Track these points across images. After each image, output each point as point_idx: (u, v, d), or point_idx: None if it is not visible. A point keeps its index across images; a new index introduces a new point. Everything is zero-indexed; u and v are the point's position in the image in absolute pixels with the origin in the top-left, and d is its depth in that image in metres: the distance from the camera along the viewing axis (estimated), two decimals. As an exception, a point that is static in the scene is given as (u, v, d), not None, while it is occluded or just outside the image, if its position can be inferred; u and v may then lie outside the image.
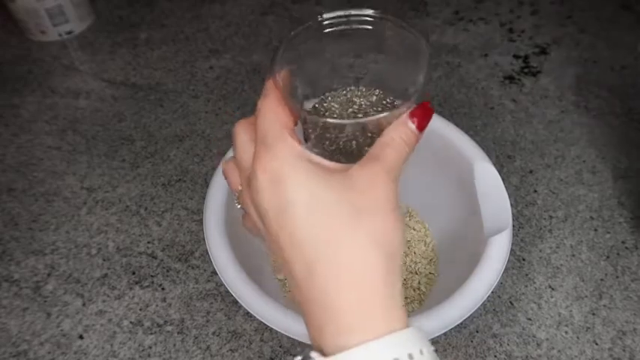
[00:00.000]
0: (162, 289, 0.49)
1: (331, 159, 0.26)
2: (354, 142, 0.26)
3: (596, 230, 0.52)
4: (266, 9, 0.80)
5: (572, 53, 0.70)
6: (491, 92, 0.66)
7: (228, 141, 0.61)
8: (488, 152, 0.45)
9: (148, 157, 0.60)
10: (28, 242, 0.53)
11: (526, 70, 0.68)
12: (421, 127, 0.26)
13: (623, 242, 0.51)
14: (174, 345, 0.45)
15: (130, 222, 0.54)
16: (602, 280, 0.49)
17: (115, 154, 0.61)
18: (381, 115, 0.25)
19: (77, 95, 0.68)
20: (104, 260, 0.51)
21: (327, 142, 0.26)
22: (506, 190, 0.42)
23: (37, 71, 0.71)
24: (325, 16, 0.27)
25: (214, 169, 0.45)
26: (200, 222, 0.54)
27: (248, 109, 0.65)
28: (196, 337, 0.46)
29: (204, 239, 0.44)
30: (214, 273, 0.49)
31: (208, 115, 0.64)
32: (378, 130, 0.26)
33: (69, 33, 0.76)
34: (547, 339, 0.45)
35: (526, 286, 0.48)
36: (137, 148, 0.61)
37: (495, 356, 0.44)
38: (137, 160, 0.60)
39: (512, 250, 0.49)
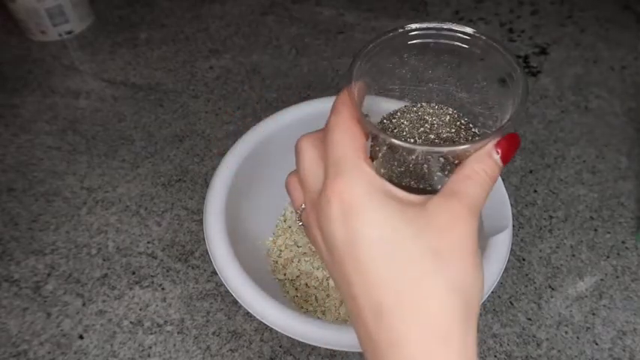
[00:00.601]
0: (163, 289, 0.49)
1: (399, 180, 0.24)
2: (425, 166, 0.24)
3: (596, 230, 0.52)
4: (266, 9, 0.80)
5: (572, 53, 0.70)
6: (492, 92, 0.66)
7: (228, 141, 0.61)
8: (488, 152, 0.45)
9: (148, 157, 0.60)
10: (28, 242, 0.53)
11: (526, 70, 0.68)
12: (506, 159, 0.24)
13: (623, 242, 0.51)
14: (174, 345, 0.45)
15: (130, 222, 0.54)
16: (602, 280, 0.49)
17: (115, 154, 0.61)
18: (465, 146, 0.23)
19: (77, 95, 0.68)
20: (104, 260, 0.51)
21: (396, 163, 0.24)
22: (506, 190, 0.42)
23: (37, 71, 0.71)
24: (412, 26, 0.25)
25: (214, 169, 0.45)
26: (200, 222, 0.54)
27: (248, 109, 0.65)
28: (196, 337, 0.46)
29: (204, 239, 0.44)
30: (214, 273, 0.49)
31: (208, 115, 0.64)
32: (454, 155, 0.24)
33: (69, 33, 0.76)
34: (547, 339, 0.45)
35: (526, 286, 0.48)
36: (137, 148, 0.61)
37: (495, 356, 0.44)
38: (137, 160, 0.60)
39: (512, 250, 0.49)
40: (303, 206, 0.26)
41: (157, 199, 0.56)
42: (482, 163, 0.23)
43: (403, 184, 0.24)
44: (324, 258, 0.25)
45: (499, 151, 0.23)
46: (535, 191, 0.56)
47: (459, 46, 0.25)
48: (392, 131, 0.26)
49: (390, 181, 0.24)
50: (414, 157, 0.24)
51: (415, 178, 0.24)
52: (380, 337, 0.22)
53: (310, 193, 0.25)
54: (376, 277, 0.21)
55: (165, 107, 0.66)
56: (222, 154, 0.46)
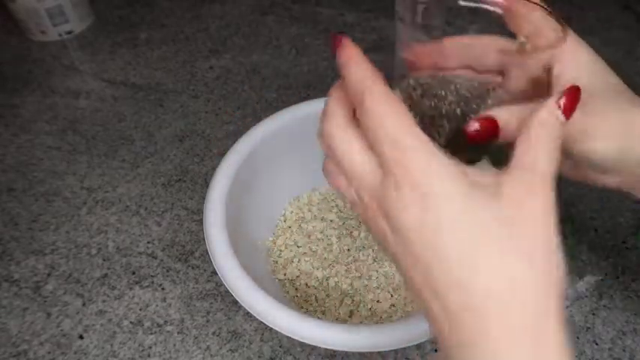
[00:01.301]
0: (163, 289, 0.49)
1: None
2: (447, 118, 0.23)
3: (596, 230, 0.52)
4: (266, 9, 0.80)
5: (572, 53, 0.70)
6: (492, 92, 0.66)
7: (228, 141, 0.61)
8: (488, 152, 0.45)
9: (148, 157, 0.60)
10: (28, 242, 0.53)
11: (526, 70, 0.68)
12: (569, 113, 0.23)
13: (623, 242, 0.51)
14: (174, 345, 0.45)
15: (130, 222, 0.54)
16: (602, 280, 0.49)
17: (115, 154, 0.61)
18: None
19: (77, 95, 0.68)
20: (104, 260, 0.51)
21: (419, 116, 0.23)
22: (506, 190, 0.42)
23: (37, 71, 0.71)
24: None
25: (214, 169, 0.45)
26: (200, 222, 0.54)
27: (248, 109, 0.65)
28: (196, 337, 0.46)
29: (204, 239, 0.44)
30: (214, 273, 0.49)
31: (208, 115, 0.64)
32: (468, 110, 0.23)
33: (69, 33, 0.76)
34: (547, 339, 0.45)
35: (526, 286, 0.48)
36: (137, 148, 0.61)
37: (495, 356, 0.44)
38: (137, 160, 0.60)
39: (512, 250, 0.49)
40: (354, 196, 0.25)
41: (157, 199, 0.56)
42: (545, 127, 0.22)
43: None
44: (389, 243, 0.23)
45: (561, 104, 0.22)
46: (535, 191, 0.56)
47: (496, 12, 0.26)
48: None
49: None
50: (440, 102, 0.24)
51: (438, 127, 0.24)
52: (455, 320, 0.21)
53: (364, 181, 0.23)
54: (454, 258, 0.21)
55: (165, 107, 0.66)
56: (222, 154, 0.46)
